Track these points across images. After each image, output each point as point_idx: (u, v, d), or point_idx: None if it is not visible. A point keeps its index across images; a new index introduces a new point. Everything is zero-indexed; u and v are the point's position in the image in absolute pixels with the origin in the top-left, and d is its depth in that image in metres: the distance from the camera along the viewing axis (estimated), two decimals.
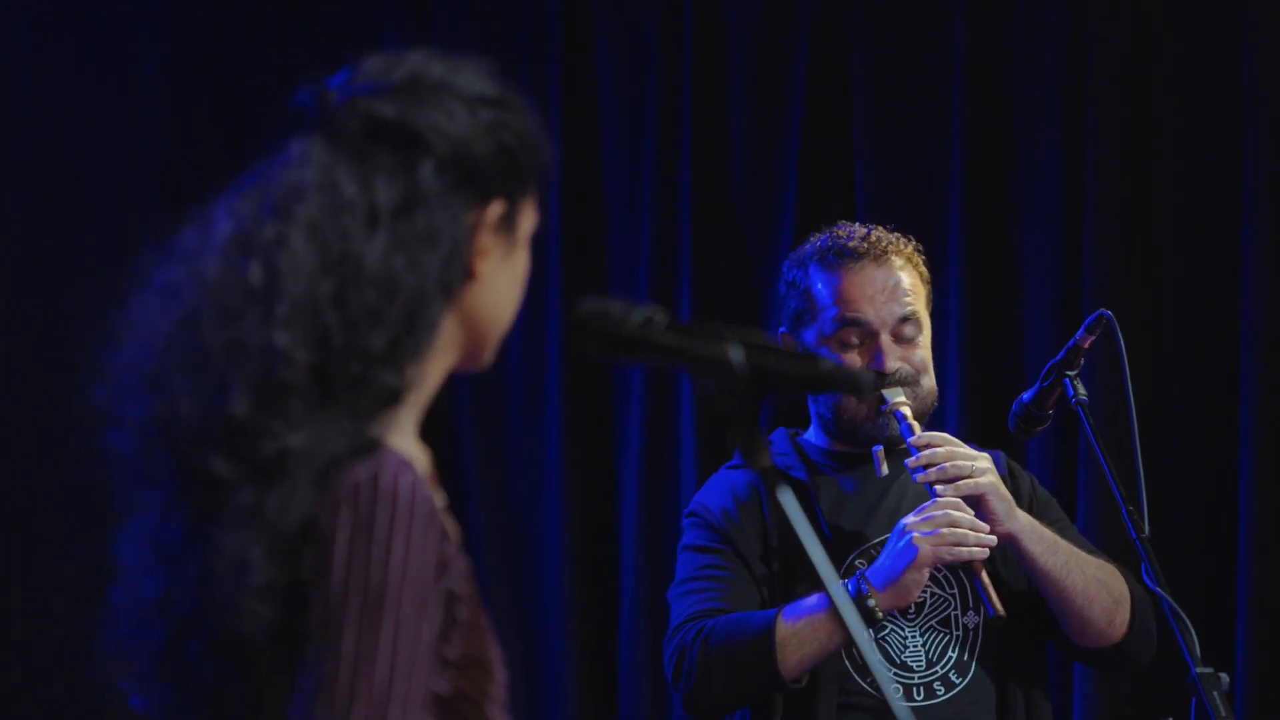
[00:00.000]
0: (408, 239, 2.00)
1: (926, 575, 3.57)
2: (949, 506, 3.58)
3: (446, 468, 5.15)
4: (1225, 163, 4.94)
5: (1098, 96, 4.99)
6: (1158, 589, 3.58)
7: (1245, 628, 4.77)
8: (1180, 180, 5.00)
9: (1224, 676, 3.51)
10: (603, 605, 5.27)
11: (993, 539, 3.58)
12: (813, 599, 3.56)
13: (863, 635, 2.04)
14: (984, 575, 3.58)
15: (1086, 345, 3.80)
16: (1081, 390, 3.79)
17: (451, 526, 2.04)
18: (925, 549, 3.53)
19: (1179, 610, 3.54)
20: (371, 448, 1.95)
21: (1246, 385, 4.85)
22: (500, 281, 2.10)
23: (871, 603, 3.52)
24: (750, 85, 5.26)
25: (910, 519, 3.59)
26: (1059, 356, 3.82)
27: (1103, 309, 3.79)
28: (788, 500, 1.97)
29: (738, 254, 5.27)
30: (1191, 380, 4.96)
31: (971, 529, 3.57)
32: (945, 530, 3.55)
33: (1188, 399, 4.95)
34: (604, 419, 5.34)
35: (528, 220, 2.12)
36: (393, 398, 1.99)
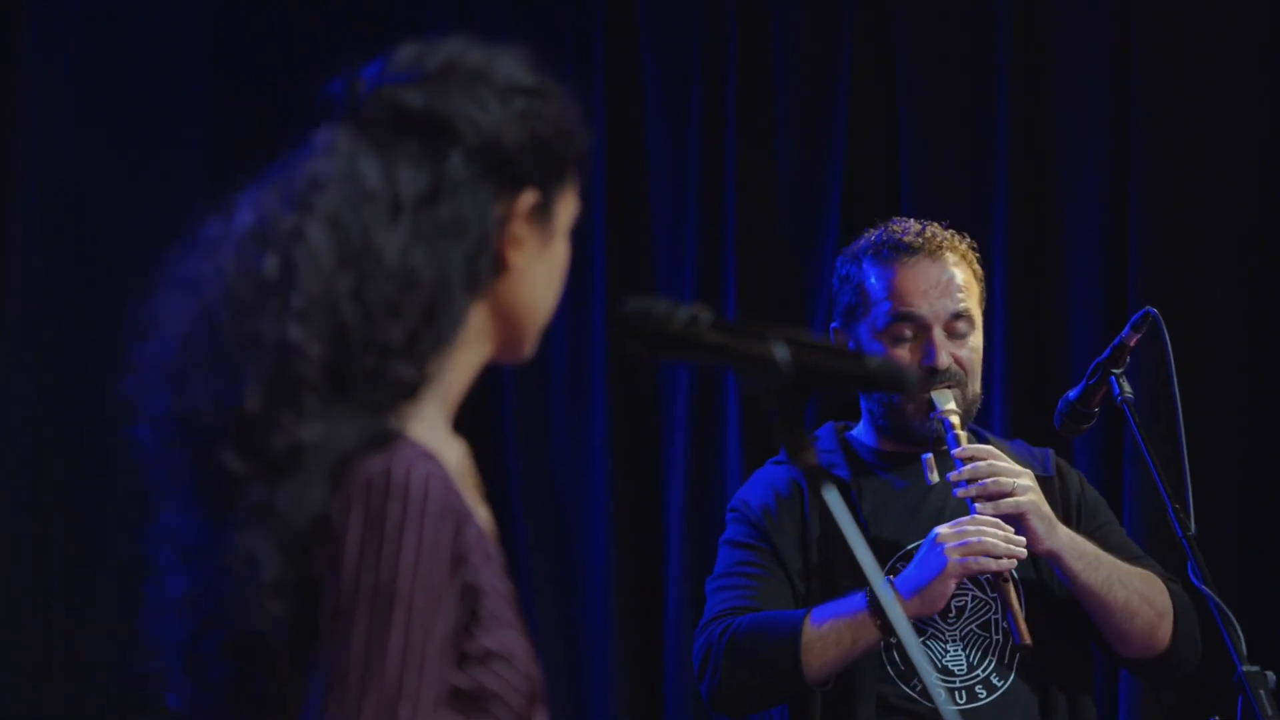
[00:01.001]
0: (431, 229, 1.98)
1: (953, 586, 3.56)
2: (983, 523, 3.56)
3: (491, 465, 5.15)
4: (1272, 159, 4.92)
5: (1143, 93, 4.97)
6: (1204, 587, 3.57)
7: None
8: (1227, 177, 4.98)
9: (1270, 675, 3.49)
10: (648, 602, 5.27)
11: (1022, 551, 3.56)
12: (840, 602, 3.55)
13: (909, 635, 2.03)
14: (1014, 603, 3.56)
15: (1132, 343, 3.79)
16: (1127, 388, 3.78)
17: (483, 517, 2.03)
18: (953, 561, 3.52)
19: (1225, 608, 3.53)
20: (388, 440, 1.93)
21: None
22: (536, 272, 2.08)
23: None
24: (795, 80, 5.26)
25: (943, 529, 3.57)
26: (1105, 354, 3.81)
27: (1149, 307, 3.78)
28: (833, 500, 1.96)
29: (783, 251, 5.26)
30: (1237, 378, 4.94)
31: (1003, 542, 3.55)
32: (974, 542, 3.53)
33: (1233, 397, 4.93)
34: (649, 417, 5.34)
35: (566, 211, 2.10)
36: (410, 390, 1.97)
